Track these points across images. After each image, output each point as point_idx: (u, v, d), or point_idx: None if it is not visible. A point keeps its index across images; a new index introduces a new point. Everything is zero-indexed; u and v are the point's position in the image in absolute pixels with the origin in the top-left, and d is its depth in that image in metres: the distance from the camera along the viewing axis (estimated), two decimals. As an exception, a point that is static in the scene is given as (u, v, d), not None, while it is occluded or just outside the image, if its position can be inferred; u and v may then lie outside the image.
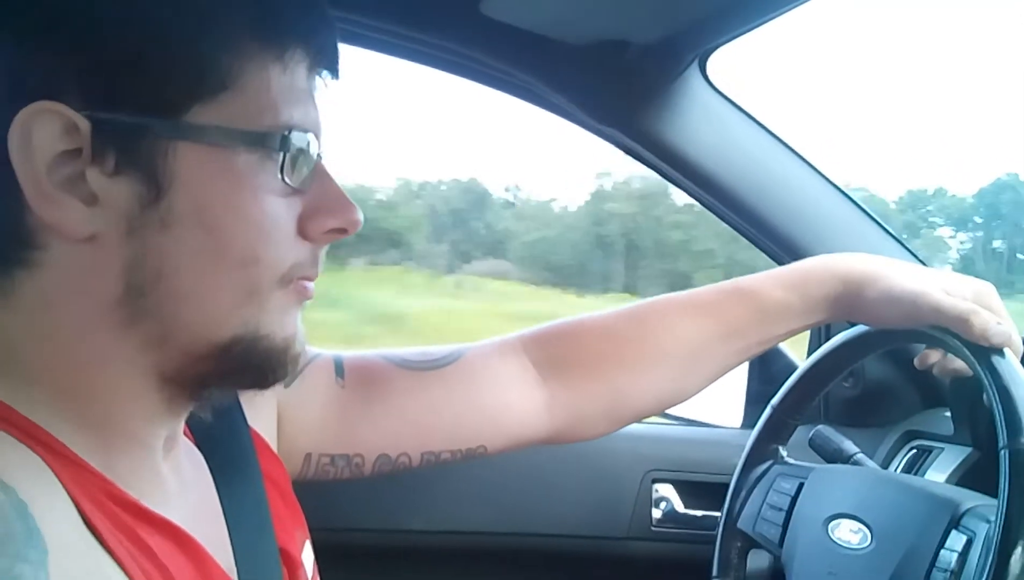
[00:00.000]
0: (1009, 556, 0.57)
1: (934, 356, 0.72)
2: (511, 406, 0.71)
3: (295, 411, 0.64)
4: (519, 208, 8.69)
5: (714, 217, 1.11)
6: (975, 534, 0.65)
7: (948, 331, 0.65)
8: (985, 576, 0.60)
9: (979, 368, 0.64)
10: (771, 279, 0.73)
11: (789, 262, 0.80)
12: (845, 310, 0.72)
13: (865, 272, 0.70)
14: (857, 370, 1.15)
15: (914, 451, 1.07)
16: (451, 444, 0.69)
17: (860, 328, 0.78)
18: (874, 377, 1.14)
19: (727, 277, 0.75)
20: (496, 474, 1.14)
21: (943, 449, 1.06)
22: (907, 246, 1.13)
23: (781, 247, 1.09)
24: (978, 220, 7.56)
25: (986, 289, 0.69)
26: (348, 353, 0.70)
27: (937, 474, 1.03)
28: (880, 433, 1.14)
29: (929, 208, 7.24)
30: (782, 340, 0.76)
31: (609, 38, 0.97)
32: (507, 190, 8.75)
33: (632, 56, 0.98)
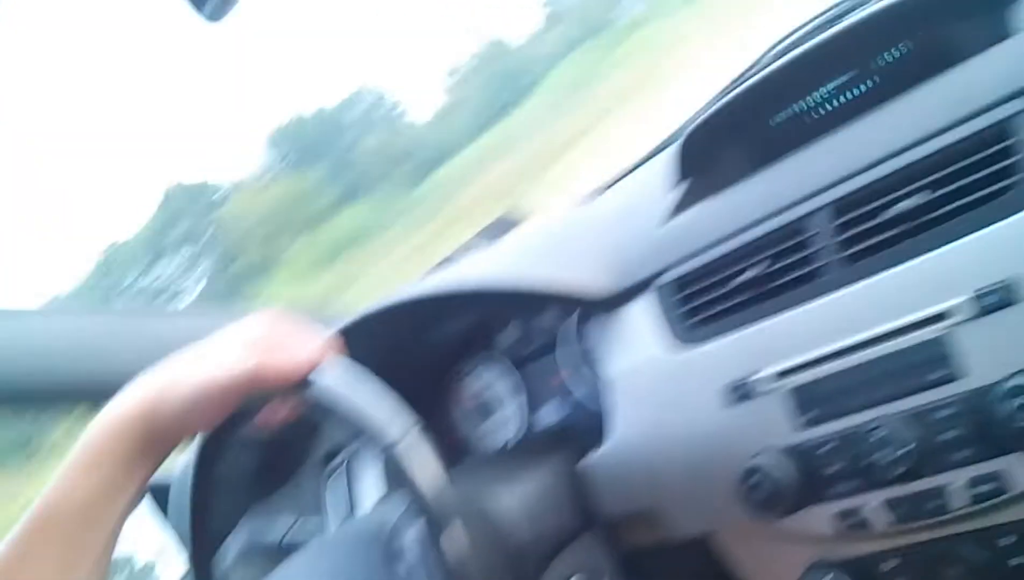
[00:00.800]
0: (442, 543, 0.55)
1: (279, 410, 0.65)
2: None
3: None
4: None
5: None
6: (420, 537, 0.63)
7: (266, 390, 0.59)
8: (437, 571, 0.58)
9: (306, 398, 0.59)
10: (65, 479, 0.56)
11: None
12: (164, 443, 0.59)
13: (144, 401, 0.58)
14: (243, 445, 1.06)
15: (331, 473, 1.05)
16: None
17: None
18: (260, 441, 1.07)
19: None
20: None
21: (359, 452, 1.07)
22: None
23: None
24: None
25: (264, 323, 0.61)
26: None
27: (373, 480, 1.04)
28: (300, 482, 1.08)
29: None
30: (128, 516, 0.60)
31: None
32: None
33: None
